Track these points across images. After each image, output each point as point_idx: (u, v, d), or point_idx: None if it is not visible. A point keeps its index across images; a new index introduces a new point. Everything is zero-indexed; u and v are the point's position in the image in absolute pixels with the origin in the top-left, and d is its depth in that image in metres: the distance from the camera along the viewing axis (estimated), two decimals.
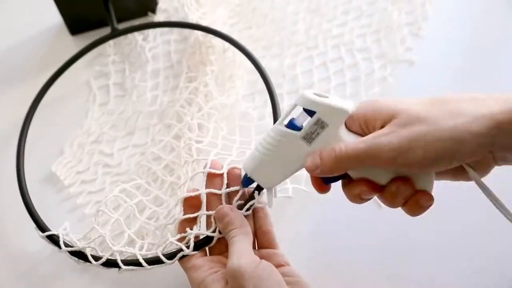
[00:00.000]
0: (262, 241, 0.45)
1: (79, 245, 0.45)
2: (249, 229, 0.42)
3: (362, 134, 0.39)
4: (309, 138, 0.38)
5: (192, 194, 0.44)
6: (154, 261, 0.43)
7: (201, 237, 0.43)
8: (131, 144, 0.59)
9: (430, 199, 0.38)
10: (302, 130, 0.38)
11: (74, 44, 0.69)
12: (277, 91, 0.51)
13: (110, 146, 0.59)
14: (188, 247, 0.42)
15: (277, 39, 0.65)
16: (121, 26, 0.63)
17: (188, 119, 0.54)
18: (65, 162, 0.58)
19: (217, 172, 0.44)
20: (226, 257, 0.41)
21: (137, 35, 0.66)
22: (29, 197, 0.50)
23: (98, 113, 0.62)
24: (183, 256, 0.43)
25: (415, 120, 0.35)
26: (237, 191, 0.44)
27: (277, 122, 0.40)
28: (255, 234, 0.45)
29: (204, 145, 0.51)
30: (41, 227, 0.47)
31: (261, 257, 0.41)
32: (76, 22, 0.69)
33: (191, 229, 0.43)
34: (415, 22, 0.65)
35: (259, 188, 0.43)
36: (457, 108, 0.35)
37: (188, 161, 0.49)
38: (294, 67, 0.62)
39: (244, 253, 0.39)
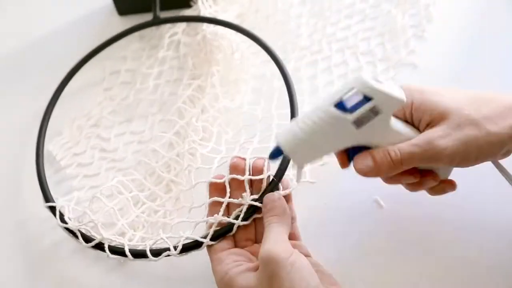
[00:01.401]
0: None
1: (71, 225, 0.46)
2: (289, 221, 0.42)
3: (407, 121, 0.41)
4: (359, 123, 0.38)
5: (218, 180, 0.45)
6: (139, 254, 0.44)
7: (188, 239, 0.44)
8: (129, 131, 0.59)
9: (455, 186, 0.44)
10: (353, 114, 0.37)
11: (121, 25, 0.69)
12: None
13: (108, 131, 0.59)
14: (175, 248, 0.43)
15: (280, 43, 0.65)
16: (164, 14, 0.64)
17: (193, 121, 0.54)
18: (63, 142, 0.59)
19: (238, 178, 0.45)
20: (250, 250, 0.43)
21: None
22: (43, 171, 0.52)
23: (101, 97, 0.63)
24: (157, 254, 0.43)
25: (467, 122, 0.38)
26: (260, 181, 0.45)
27: (326, 101, 0.38)
28: None
29: (208, 151, 0.52)
30: (47, 197, 0.50)
31: None
32: (124, 4, 0.70)
33: (217, 213, 0.44)
34: (419, 25, 0.64)
35: (280, 175, 0.44)
36: (502, 111, 0.39)
37: (192, 166, 0.50)
38: (298, 71, 0.62)
39: (280, 241, 0.39)
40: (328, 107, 0.38)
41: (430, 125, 0.40)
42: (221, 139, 0.54)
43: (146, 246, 0.44)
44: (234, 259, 0.41)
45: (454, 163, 0.39)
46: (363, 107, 0.37)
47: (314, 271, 0.38)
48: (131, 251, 0.44)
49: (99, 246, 0.45)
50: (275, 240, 0.39)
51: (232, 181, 0.44)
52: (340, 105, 0.38)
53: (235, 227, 0.43)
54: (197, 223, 0.44)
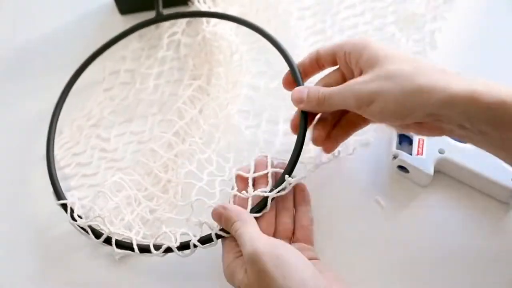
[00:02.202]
0: (298, 236, 0.46)
1: (79, 222, 0.48)
2: (248, 216, 0.43)
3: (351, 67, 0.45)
4: None
5: (244, 174, 0.48)
6: (144, 249, 0.46)
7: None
8: (129, 131, 0.60)
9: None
10: None
11: (123, 24, 0.68)
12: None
13: (108, 131, 0.60)
14: (171, 248, 0.45)
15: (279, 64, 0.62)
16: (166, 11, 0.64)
17: (201, 123, 0.55)
18: (63, 142, 0.59)
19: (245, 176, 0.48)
20: None
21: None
22: (54, 168, 0.54)
23: (101, 97, 0.63)
24: (167, 250, 0.45)
25: (386, 75, 0.40)
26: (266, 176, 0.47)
27: None
28: (294, 228, 0.46)
29: (205, 157, 0.53)
30: (58, 195, 0.51)
31: None
32: (125, 3, 0.69)
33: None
34: (422, 51, 0.61)
35: (290, 172, 0.46)
36: (422, 76, 0.39)
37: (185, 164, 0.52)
38: None
39: (256, 237, 0.39)
40: None
41: (361, 71, 0.43)
42: (218, 146, 0.55)
43: (150, 242, 0.46)
44: (239, 249, 0.42)
45: (362, 111, 0.42)
46: None
47: (308, 261, 0.38)
48: (138, 245, 0.46)
49: (108, 241, 0.47)
50: (251, 239, 0.39)
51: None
52: None
53: None
54: (202, 223, 0.45)
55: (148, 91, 0.62)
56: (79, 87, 0.61)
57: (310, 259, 0.42)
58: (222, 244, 0.44)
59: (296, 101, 0.46)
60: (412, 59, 0.41)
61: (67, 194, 0.53)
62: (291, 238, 0.46)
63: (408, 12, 0.65)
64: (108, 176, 0.55)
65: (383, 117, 0.41)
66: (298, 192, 0.48)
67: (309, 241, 0.45)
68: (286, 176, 0.45)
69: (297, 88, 0.46)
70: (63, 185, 0.55)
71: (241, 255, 0.41)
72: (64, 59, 0.64)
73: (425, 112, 0.38)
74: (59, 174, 0.56)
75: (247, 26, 0.58)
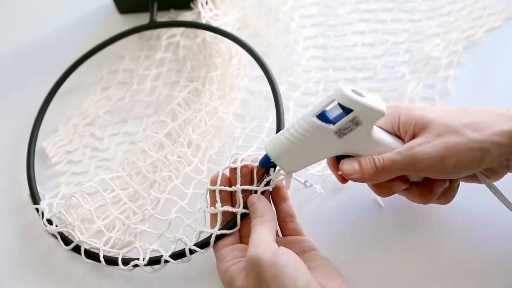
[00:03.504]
0: (288, 231, 0.46)
1: (49, 228, 0.49)
2: (271, 216, 0.43)
3: (391, 132, 0.43)
4: (341, 133, 0.40)
5: (213, 187, 0.45)
6: (111, 261, 0.46)
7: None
8: (123, 131, 0.60)
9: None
10: (335, 125, 0.39)
11: (122, 23, 0.69)
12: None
13: (102, 130, 0.60)
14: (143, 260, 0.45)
15: (279, 52, 0.63)
16: (164, 14, 0.66)
17: (189, 132, 0.54)
18: (57, 140, 0.59)
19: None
20: None
21: None
22: (33, 169, 0.55)
23: (98, 96, 0.63)
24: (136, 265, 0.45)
25: (447, 130, 0.40)
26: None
27: (309, 113, 0.40)
28: (282, 225, 0.46)
29: (191, 169, 0.51)
30: (34, 199, 0.52)
31: (287, 244, 0.43)
32: (124, 3, 0.69)
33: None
34: (431, 98, 0.56)
35: (267, 171, 0.45)
36: (483, 121, 0.39)
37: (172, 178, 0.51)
38: (288, 99, 0.59)
39: (262, 242, 0.39)
40: (311, 118, 0.40)
41: (414, 137, 0.41)
42: (206, 154, 0.54)
43: (119, 253, 0.46)
44: (235, 255, 0.42)
45: (434, 171, 0.40)
46: (344, 118, 0.39)
47: (302, 266, 0.38)
48: (105, 257, 0.46)
49: (77, 249, 0.47)
50: (256, 243, 0.39)
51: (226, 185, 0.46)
52: (322, 116, 0.40)
53: (212, 237, 0.43)
54: (177, 239, 0.45)
55: (145, 92, 0.62)
56: (77, 85, 0.62)
57: (308, 250, 0.43)
58: (215, 252, 0.44)
59: (347, 174, 0.42)
60: (458, 111, 0.41)
61: (55, 190, 0.54)
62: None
63: (423, 54, 0.60)
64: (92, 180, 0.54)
65: (456, 171, 0.40)
66: (275, 192, 0.47)
67: (300, 232, 0.46)
68: (271, 170, 0.44)
69: (345, 161, 0.42)
70: (53, 181, 0.56)
71: (239, 260, 0.41)
72: (62, 57, 0.63)
73: (498, 154, 0.39)
74: (50, 171, 0.57)
75: (240, 45, 0.57)
